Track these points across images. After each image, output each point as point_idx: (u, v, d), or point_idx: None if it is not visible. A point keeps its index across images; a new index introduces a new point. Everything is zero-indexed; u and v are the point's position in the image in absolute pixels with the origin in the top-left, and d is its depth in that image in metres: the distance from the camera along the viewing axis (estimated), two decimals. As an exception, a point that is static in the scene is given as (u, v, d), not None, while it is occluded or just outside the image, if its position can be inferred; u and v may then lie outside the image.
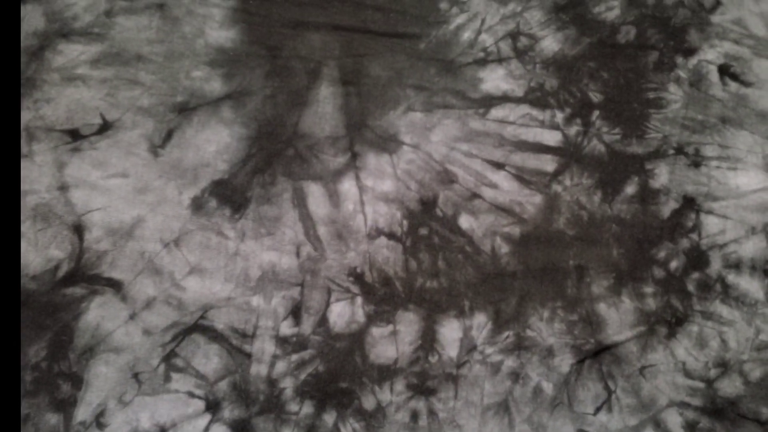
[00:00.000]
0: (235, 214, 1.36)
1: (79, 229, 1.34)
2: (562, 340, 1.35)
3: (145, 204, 1.36)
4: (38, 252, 1.32)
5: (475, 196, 1.40)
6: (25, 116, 1.38)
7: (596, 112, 1.45)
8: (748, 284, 1.38)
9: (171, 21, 1.45)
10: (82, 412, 1.27)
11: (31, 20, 1.42)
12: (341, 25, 1.47)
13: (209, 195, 1.37)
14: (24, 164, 1.35)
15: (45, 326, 1.29)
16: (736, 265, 1.39)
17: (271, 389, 1.30)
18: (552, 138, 1.44)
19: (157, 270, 1.33)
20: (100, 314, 1.30)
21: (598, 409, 1.32)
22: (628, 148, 1.43)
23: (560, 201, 1.41)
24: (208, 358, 1.30)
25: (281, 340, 1.32)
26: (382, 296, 1.35)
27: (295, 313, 1.33)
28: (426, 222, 1.38)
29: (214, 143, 1.39)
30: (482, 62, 1.46)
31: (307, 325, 1.33)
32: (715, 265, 1.39)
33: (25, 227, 1.33)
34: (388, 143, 1.42)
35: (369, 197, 1.39)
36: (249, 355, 1.31)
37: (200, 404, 1.29)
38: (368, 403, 1.31)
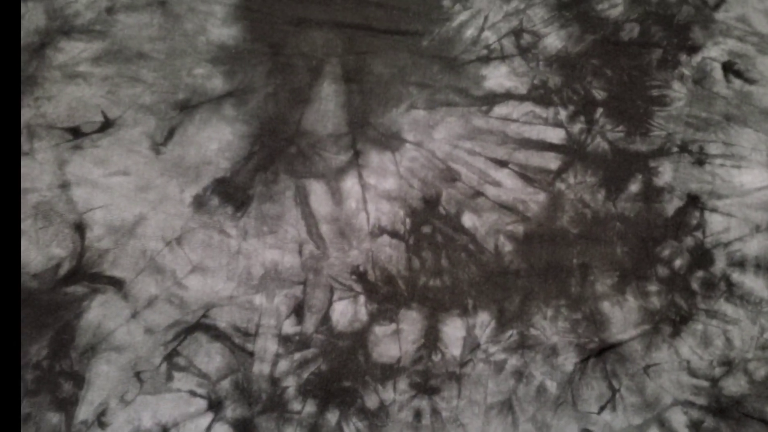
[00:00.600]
0: (237, 212, 1.36)
1: (80, 228, 1.33)
2: (565, 338, 1.34)
3: (147, 202, 1.35)
4: (39, 250, 1.32)
5: (479, 194, 1.39)
6: (27, 114, 1.37)
7: (600, 110, 1.44)
8: (752, 282, 1.37)
9: (173, 18, 1.44)
10: (84, 411, 1.27)
11: (32, 17, 1.42)
12: (343, 22, 1.46)
13: (211, 193, 1.36)
14: (25, 162, 1.35)
15: (46, 325, 1.29)
16: (741, 264, 1.38)
17: (273, 388, 1.30)
18: (555, 136, 1.43)
19: (158, 268, 1.33)
20: (101, 313, 1.30)
21: (602, 408, 1.32)
22: (631, 145, 1.43)
23: (564, 199, 1.40)
24: (211, 357, 1.30)
25: (284, 339, 1.32)
26: (384, 295, 1.34)
27: (298, 311, 1.33)
28: (429, 220, 1.38)
29: (216, 141, 1.39)
30: (485, 60, 1.46)
31: (310, 324, 1.33)
32: (720, 264, 1.38)
33: (27, 225, 1.32)
34: (391, 141, 1.41)
35: (372, 195, 1.38)
36: (251, 354, 1.30)
37: (202, 403, 1.28)
38: (371, 402, 1.30)
